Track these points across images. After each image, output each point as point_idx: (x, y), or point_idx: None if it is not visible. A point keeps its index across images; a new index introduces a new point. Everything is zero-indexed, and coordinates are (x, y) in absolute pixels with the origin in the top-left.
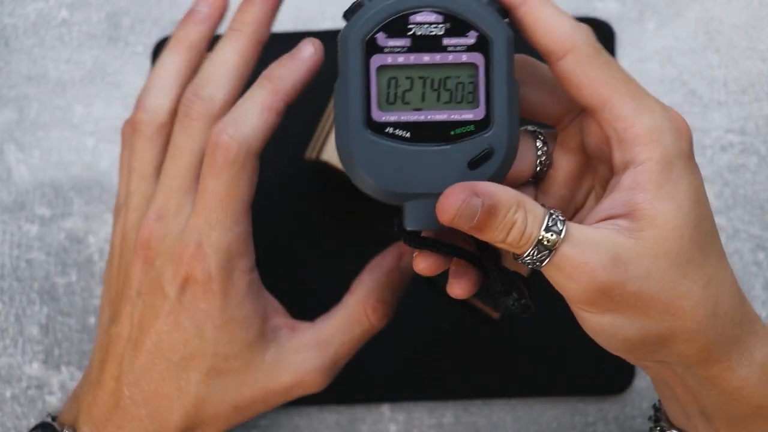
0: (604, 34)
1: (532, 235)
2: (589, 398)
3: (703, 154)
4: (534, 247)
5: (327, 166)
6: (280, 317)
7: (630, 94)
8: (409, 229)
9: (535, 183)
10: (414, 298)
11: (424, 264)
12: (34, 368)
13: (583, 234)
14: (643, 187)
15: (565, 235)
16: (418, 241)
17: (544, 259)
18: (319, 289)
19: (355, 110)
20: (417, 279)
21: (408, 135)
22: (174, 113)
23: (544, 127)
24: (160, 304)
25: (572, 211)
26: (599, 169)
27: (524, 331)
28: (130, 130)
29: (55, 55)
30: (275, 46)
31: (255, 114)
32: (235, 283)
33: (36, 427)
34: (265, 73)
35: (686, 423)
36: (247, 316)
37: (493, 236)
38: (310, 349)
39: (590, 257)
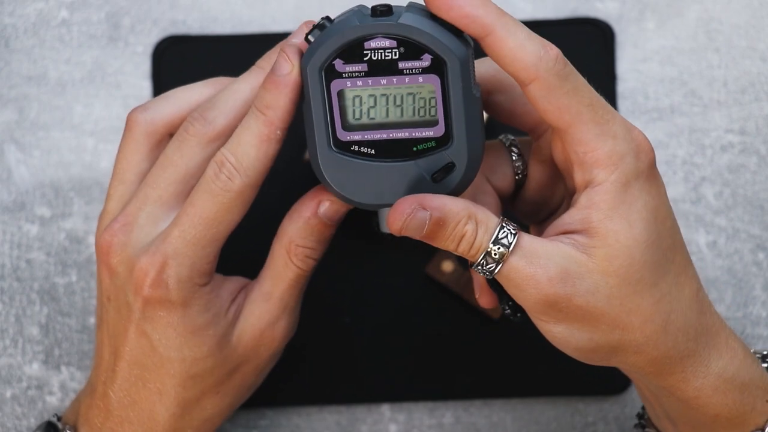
0: (604, 34)
1: (482, 246)
2: (589, 398)
3: (703, 154)
4: (483, 257)
5: None
6: (240, 295)
7: (593, 120)
8: (383, 231)
9: (512, 194)
10: (414, 298)
11: (485, 299)
12: (34, 368)
13: (534, 247)
14: (598, 206)
15: (514, 248)
16: (394, 238)
17: (494, 270)
18: (318, 287)
19: (320, 132)
20: (402, 269)
21: (373, 152)
22: (170, 128)
23: (520, 134)
24: (126, 314)
25: (546, 213)
26: (568, 180)
27: (524, 331)
28: (126, 124)
29: (55, 55)
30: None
31: (254, 147)
32: (196, 295)
33: (47, 425)
34: (256, 102)
35: (658, 423)
36: (211, 320)
37: (444, 245)
38: (259, 304)
39: (537, 270)
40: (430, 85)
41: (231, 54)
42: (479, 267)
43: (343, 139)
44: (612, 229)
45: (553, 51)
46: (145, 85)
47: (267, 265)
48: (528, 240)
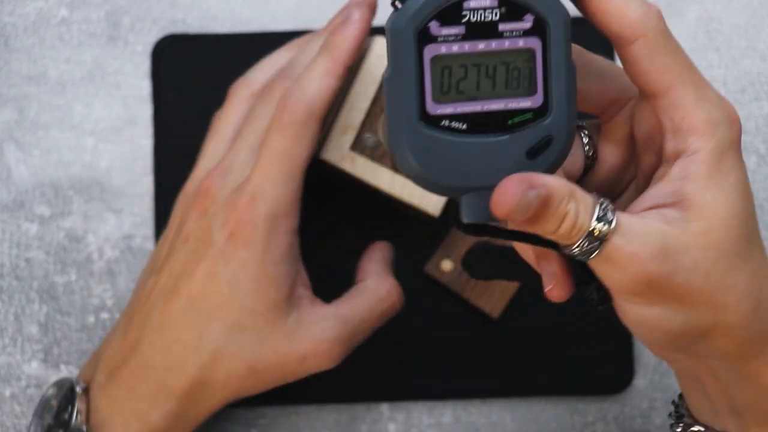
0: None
1: (584, 225)
2: (589, 398)
3: None
4: (585, 238)
5: (327, 165)
6: (305, 288)
7: (692, 84)
8: (466, 222)
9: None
10: (414, 298)
11: (561, 291)
12: (34, 367)
13: (631, 224)
14: (694, 177)
15: (615, 226)
16: (478, 231)
17: (594, 250)
18: (318, 287)
19: (408, 104)
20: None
21: (464, 126)
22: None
23: (586, 118)
24: (203, 251)
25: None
26: (645, 158)
27: (524, 331)
28: (228, 94)
29: (55, 55)
30: (275, 46)
31: (318, 79)
32: (277, 240)
33: (55, 384)
34: (324, 43)
35: (713, 419)
36: (280, 276)
37: (545, 227)
38: (329, 320)
39: (640, 248)
40: (528, 51)
41: (231, 53)
42: (577, 249)
43: (433, 113)
44: (709, 200)
45: (655, 7)
46: (145, 85)
47: (353, 294)
48: (624, 217)
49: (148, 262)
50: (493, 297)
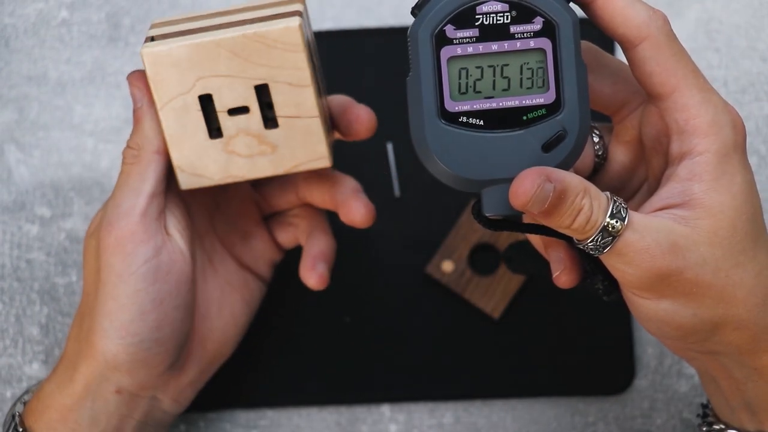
0: (603, 34)
1: (598, 221)
2: (589, 398)
3: None
4: (599, 233)
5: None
6: None
7: (697, 86)
8: (487, 214)
9: (588, 176)
10: (414, 298)
11: (568, 278)
12: (35, 368)
13: (643, 221)
14: (700, 177)
15: (627, 222)
16: (498, 224)
17: (607, 245)
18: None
19: (428, 102)
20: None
21: (481, 123)
22: None
23: (599, 120)
24: None
25: None
26: (654, 161)
27: (525, 332)
28: None
29: (55, 55)
30: None
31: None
32: None
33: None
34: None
35: (731, 416)
36: None
37: (560, 221)
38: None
39: (651, 244)
40: (540, 51)
41: None
42: (592, 243)
43: (452, 110)
44: (717, 200)
45: (660, 12)
46: None
47: None
48: (636, 215)
49: None
50: (494, 297)
